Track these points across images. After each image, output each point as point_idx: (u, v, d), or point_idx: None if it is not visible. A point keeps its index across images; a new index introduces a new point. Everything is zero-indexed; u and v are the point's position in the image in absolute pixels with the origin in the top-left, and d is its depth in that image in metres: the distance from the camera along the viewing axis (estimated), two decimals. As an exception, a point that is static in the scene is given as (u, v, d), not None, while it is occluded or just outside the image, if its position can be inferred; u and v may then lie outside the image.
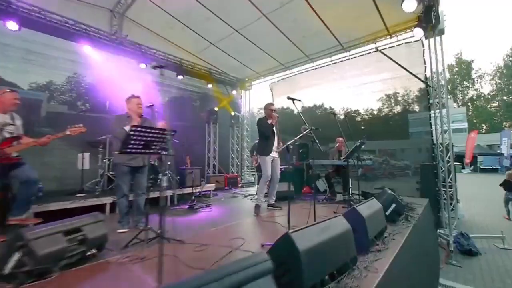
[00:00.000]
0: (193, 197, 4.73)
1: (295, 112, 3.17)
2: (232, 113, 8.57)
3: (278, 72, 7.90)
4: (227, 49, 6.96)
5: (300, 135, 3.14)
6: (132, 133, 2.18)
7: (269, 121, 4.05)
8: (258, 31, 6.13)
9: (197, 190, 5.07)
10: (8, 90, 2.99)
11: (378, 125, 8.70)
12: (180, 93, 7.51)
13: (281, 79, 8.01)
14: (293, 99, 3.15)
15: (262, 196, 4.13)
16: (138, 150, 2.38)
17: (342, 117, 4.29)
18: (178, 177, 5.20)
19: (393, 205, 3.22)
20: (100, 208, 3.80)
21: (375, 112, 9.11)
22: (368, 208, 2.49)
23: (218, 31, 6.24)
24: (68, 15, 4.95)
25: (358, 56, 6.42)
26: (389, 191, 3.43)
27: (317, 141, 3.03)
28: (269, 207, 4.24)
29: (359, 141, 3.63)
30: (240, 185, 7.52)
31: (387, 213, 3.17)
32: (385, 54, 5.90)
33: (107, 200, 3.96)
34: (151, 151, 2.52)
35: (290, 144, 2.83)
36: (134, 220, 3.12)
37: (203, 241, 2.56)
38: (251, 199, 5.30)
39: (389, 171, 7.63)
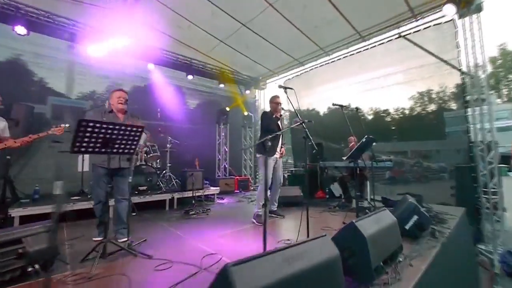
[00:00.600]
0: (193, 201, 4.39)
1: (288, 103, 2.69)
2: (245, 113, 8.18)
3: (292, 69, 7.33)
4: (237, 46, 6.58)
5: (282, 131, 2.64)
6: (82, 128, 1.86)
7: (274, 115, 3.58)
8: (266, 23, 5.66)
9: (198, 194, 4.72)
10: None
11: (409, 125, 7.74)
12: (189, 93, 7.32)
13: (295, 76, 7.43)
14: (284, 88, 2.67)
15: (261, 205, 3.63)
16: (95, 150, 2.06)
17: (346, 111, 3.62)
18: (177, 179, 4.92)
19: (415, 217, 2.54)
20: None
21: (407, 112, 8.14)
22: (376, 222, 1.89)
23: (225, 26, 5.88)
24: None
25: (379, 45, 5.64)
26: (410, 199, 2.73)
27: (310, 137, 2.49)
28: (270, 215, 3.75)
29: (365, 136, 2.98)
30: (252, 188, 7.06)
31: (407, 227, 2.51)
32: (410, 40, 5.08)
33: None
34: (114, 150, 2.20)
35: (268, 139, 2.32)
36: (114, 230, 2.82)
37: (173, 255, 2.16)
38: (255, 204, 4.84)
39: (421, 174, 6.65)
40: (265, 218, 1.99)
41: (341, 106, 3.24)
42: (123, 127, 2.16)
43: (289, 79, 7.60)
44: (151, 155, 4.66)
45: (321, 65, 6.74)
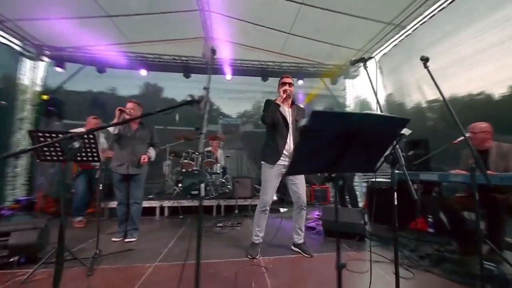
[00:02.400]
0: (236, 211, 3.99)
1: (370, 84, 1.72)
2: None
3: (389, 38, 5.05)
4: (305, 32, 5.47)
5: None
6: (41, 139, 2.04)
7: (278, 100, 2.53)
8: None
9: (246, 203, 4.23)
10: (93, 117, 3.97)
11: None
12: (265, 97, 6.93)
13: (394, 46, 5.07)
14: (363, 60, 1.77)
15: (258, 231, 2.62)
16: (57, 158, 2.21)
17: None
18: (227, 186, 4.65)
19: None
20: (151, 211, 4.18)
21: None
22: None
23: (284, 14, 5.03)
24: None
25: None
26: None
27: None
28: (294, 248, 2.62)
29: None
30: (331, 200, 5.52)
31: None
32: None
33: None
34: (78, 159, 2.29)
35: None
36: (126, 230, 3.02)
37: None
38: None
39: None
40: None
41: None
42: (84, 136, 2.22)
43: (384, 53, 5.32)
44: (206, 160, 4.74)
45: (432, 14, 4.11)
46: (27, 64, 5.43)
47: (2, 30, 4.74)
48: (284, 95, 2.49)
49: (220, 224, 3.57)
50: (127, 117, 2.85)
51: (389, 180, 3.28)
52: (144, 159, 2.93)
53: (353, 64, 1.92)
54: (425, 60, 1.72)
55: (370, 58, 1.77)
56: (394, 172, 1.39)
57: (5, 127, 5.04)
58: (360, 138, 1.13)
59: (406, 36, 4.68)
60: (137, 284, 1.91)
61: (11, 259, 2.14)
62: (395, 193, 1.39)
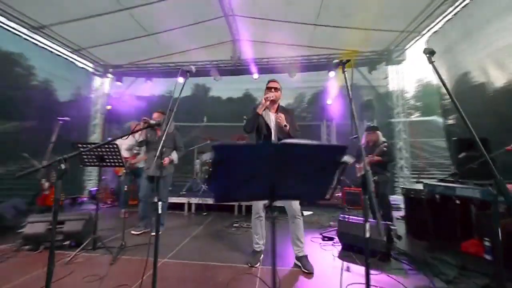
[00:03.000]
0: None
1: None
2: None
3: (440, 13, 4.11)
4: (334, 20, 4.97)
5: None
6: (81, 149, 2.55)
7: (258, 109, 2.41)
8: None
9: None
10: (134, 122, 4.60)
11: None
12: (298, 92, 6.64)
13: (447, 22, 4.09)
14: (341, 63, 1.54)
15: (257, 238, 2.57)
16: (94, 164, 2.71)
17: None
18: None
19: None
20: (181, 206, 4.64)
21: None
22: None
23: (307, 4, 4.67)
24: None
25: None
26: None
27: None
28: (296, 261, 2.49)
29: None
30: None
31: None
32: None
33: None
34: (106, 164, 2.75)
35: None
36: (146, 224, 3.43)
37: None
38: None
39: None
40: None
41: None
42: (105, 145, 2.66)
43: (435, 31, 4.36)
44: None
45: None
46: (97, 81, 6.67)
47: (79, 56, 5.92)
48: (267, 103, 2.37)
49: (236, 225, 3.67)
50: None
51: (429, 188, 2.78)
52: (164, 161, 3.26)
53: (336, 67, 1.68)
54: (429, 53, 1.38)
55: (348, 60, 1.50)
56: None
57: (85, 132, 6.39)
58: (293, 166, 1.03)
59: (463, 7, 3.73)
60: (146, 275, 2.18)
61: (65, 243, 2.75)
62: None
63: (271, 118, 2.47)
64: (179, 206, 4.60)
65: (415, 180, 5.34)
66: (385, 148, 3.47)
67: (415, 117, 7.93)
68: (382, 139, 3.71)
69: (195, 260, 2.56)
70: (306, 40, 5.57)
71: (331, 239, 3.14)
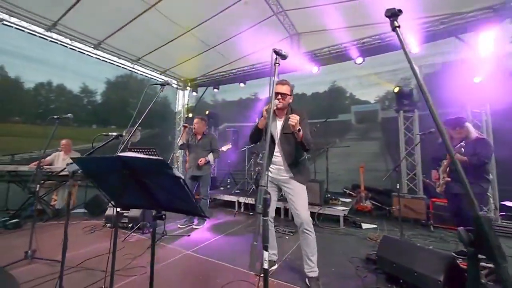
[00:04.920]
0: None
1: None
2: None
3: None
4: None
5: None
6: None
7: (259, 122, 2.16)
8: None
9: (314, 210, 3.80)
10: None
11: None
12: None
13: None
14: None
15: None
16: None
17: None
18: None
19: None
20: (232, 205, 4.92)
21: None
22: None
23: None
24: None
25: None
26: None
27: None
28: (306, 281, 2.14)
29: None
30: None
31: None
32: None
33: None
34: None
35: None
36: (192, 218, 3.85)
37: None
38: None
39: None
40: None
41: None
42: (145, 149, 3.24)
43: None
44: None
45: None
46: (180, 94, 8.14)
47: (165, 75, 7.44)
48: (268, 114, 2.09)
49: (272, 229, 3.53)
50: (193, 130, 3.73)
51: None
52: (200, 161, 3.61)
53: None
54: (392, 15, 0.95)
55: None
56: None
57: (172, 137, 7.95)
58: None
59: None
60: (163, 263, 2.51)
61: (129, 225, 3.53)
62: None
63: (277, 124, 2.22)
64: (231, 205, 4.91)
65: None
66: (462, 149, 2.42)
67: None
68: (476, 134, 2.63)
69: (211, 257, 2.67)
70: (374, 17, 4.66)
71: (374, 262, 2.49)
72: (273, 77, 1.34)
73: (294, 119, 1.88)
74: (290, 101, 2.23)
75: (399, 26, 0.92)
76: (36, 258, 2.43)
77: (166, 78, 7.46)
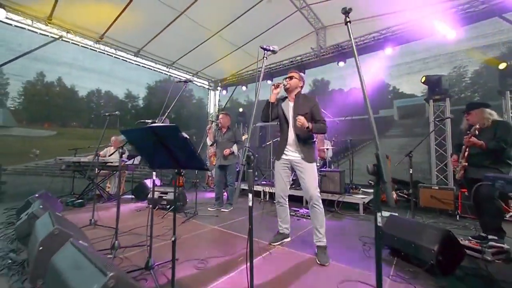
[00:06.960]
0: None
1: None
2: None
3: None
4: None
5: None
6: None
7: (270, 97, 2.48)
8: None
9: (334, 198, 3.98)
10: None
11: None
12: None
13: None
14: None
15: (280, 221, 2.76)
16: None
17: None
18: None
19: None
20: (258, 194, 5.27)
21: None
22: None
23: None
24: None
25: None
26: None
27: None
28: (315, 249, 2.41)
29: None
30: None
31: None
32: None
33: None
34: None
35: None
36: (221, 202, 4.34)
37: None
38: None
39: None
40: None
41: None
42: None
43: None
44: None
45: None
46: (211, 94, 8.83)
47: (197, 77, 8.18)
48: (277, 90, 2.41)
49: (292, 213, 3.82)
50: (219, 125, 4.23)
51: None
52: (225, 152, 4.08)
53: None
54: (345, 13, 1.24)
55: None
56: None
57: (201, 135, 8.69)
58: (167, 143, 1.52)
59: None
60: (193, 233, 3.01)
61: (167, 206, 4.17)
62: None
63: (289, 105, 2.54)
64: (257, 194, 5.30)
65: None
66: (476, 132, 2.42)
67: None
68: (492, 117, 2.59)
69: (233, 231, 3.10)
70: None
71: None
72: (260, 68, 1.69)
73: (300, 121, 2.27)
74: (301, 85, 2.57)
75: (350, 22, 1.18)
76: (98, 225, 3.14)
77: (198, 80, 8.21)
